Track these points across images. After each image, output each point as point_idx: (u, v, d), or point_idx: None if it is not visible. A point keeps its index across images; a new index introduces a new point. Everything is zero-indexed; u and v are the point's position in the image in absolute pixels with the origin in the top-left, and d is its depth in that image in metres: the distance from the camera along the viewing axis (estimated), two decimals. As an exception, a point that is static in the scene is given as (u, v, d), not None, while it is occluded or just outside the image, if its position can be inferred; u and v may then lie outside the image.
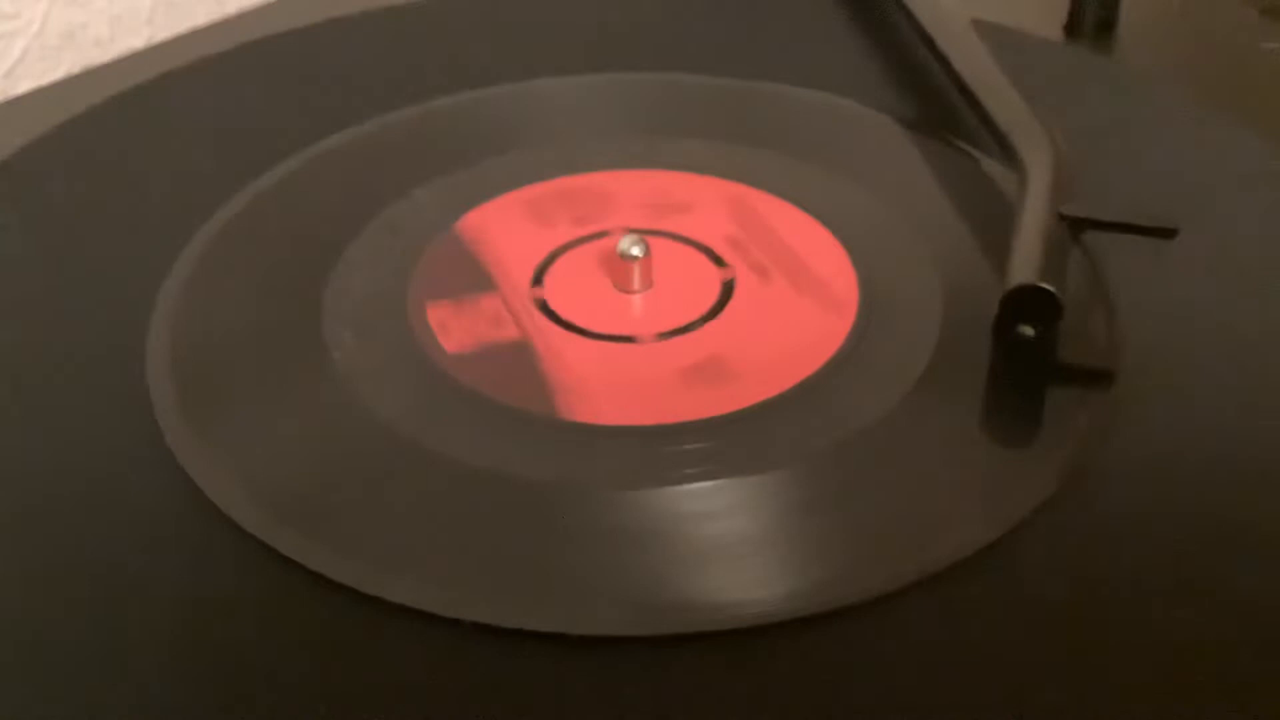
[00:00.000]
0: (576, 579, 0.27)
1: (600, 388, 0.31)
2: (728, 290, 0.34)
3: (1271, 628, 0.25)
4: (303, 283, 0.34)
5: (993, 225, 0.34)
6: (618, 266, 0.34)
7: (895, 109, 0.41)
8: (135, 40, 0.52)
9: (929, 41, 0.41)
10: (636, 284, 0.34)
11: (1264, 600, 0.26)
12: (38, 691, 0.25)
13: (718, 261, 0.35)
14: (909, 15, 0.43)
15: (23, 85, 0.49)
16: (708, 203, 0.37)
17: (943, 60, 0.40)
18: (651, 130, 0.40)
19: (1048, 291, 0.30)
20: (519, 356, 0.32)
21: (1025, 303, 0.30)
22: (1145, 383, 0.30)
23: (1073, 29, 0.47)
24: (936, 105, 0.40)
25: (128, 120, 0.41)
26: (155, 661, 0.25)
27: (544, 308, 0.33)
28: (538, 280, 0.34)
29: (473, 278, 0.34)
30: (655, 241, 0.34)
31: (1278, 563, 0.27)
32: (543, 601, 0.26)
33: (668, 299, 0.34)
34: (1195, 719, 0.24)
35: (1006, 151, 0.36)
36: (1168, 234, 0.32)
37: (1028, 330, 0.31)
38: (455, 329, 0.33)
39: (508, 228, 0.36)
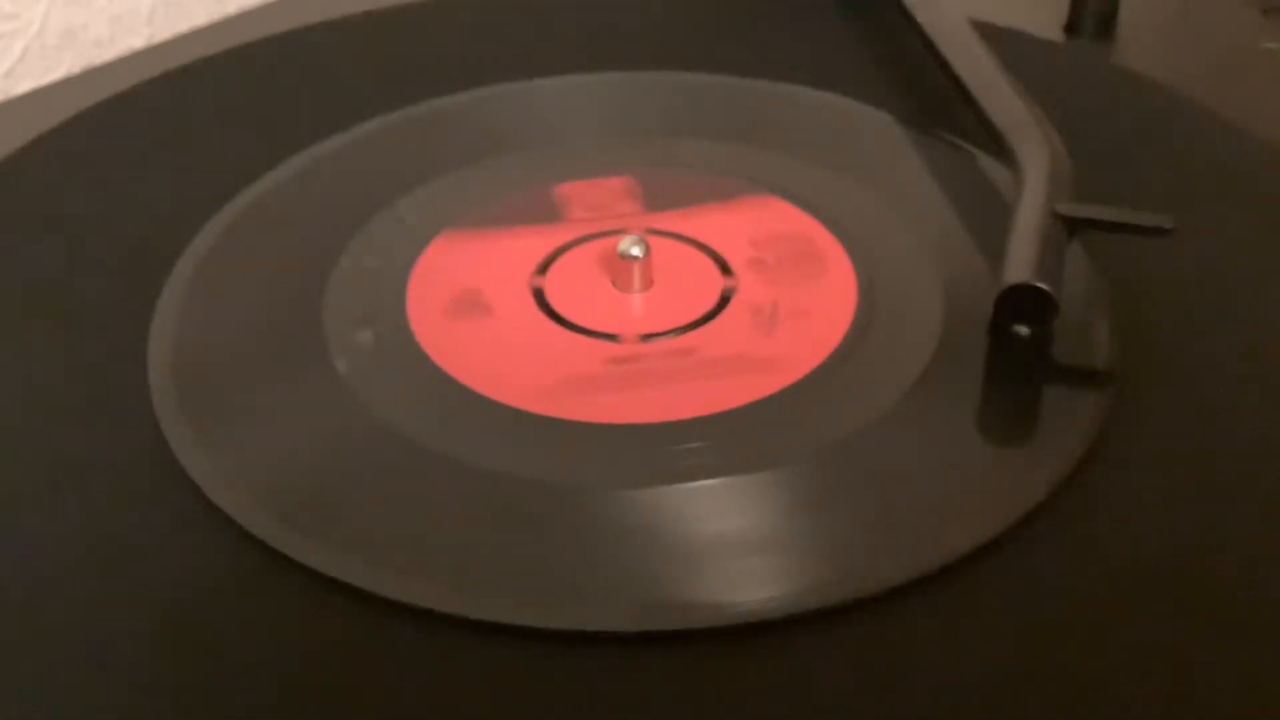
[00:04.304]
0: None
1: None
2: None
3: (1272, 626, 0.25)
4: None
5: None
6: (617, 264, 0.34)
7: (895, 108, 0.41)
8: (135, 40, 0.52)
9: (927, 41, 0.42)
10: (635, 284, 0.34)
11: (1264, 599, 0.26)
12: (39, 691, 0.25)
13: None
14: (908, 15, 0.43)
15: (23, 85, 0.49)
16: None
17: (940, 60, 0.40)
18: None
19: (1042, 290, 0.30)
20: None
21: (1020, 302, 0.30)
22: (1143, 382, 0.31)
23: (1073, 29, 0.47)
24: (936, 104, 0.40)
25: (128, 120, 0.41)
26: (157, 660, 0.25)
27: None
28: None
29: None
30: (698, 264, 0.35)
31: (1278, 561, 0.27)
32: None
33: (606, 301, 0.34)
34: (1195, 715, 0.24)
35: (1004, 151, 0.36)
36: (1164, 233, 0.32)
37: (1023, 329, 0.31)
38: (577, 205, 0.36)
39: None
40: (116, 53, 0.51)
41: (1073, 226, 0.32)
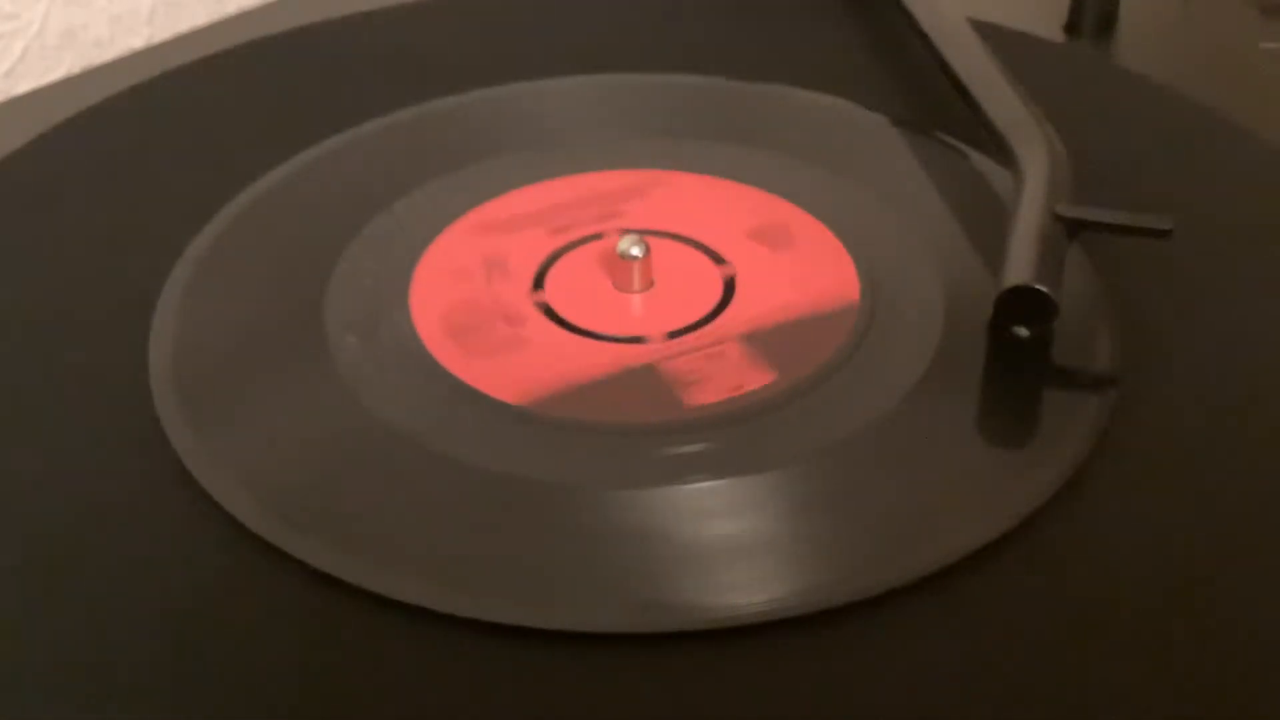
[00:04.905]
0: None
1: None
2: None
3: (1270, 626, 0.25)
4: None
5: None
6: (617, 264, 0.34)
7: (895, 109, 0.41)
8: (135, 40, 0.52)
9: (927, 42, 0.42)
10: (635, 284, 0.34)
11: (1262, 600, 0.26)
12: (41, 690, 0.25)
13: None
14: (908, 15, 0.43)
15: (23, 85, 0.49)
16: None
17: (940, 60, 0.40)
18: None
19: (1042, 292, 0.30)
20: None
21: (1020, 303, 0.31)
22: (1144, 382, 0.31)
23: (1073, 29, 0.47)
24: (936, 105, 0.40)
25: (128, 120, 0.41)
26: (160, 658, 0.25)
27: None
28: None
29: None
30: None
31: (1277, 562, 0.27)
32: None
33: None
34: (1194, 717, 0.24)
35: (1004, 151, 0.36)
36: (1163, 234, 0.32)
37: (1023, 331, 0.31)
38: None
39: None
40: (116, 53, 0.51)
41: (1073, 228, 0.32)
